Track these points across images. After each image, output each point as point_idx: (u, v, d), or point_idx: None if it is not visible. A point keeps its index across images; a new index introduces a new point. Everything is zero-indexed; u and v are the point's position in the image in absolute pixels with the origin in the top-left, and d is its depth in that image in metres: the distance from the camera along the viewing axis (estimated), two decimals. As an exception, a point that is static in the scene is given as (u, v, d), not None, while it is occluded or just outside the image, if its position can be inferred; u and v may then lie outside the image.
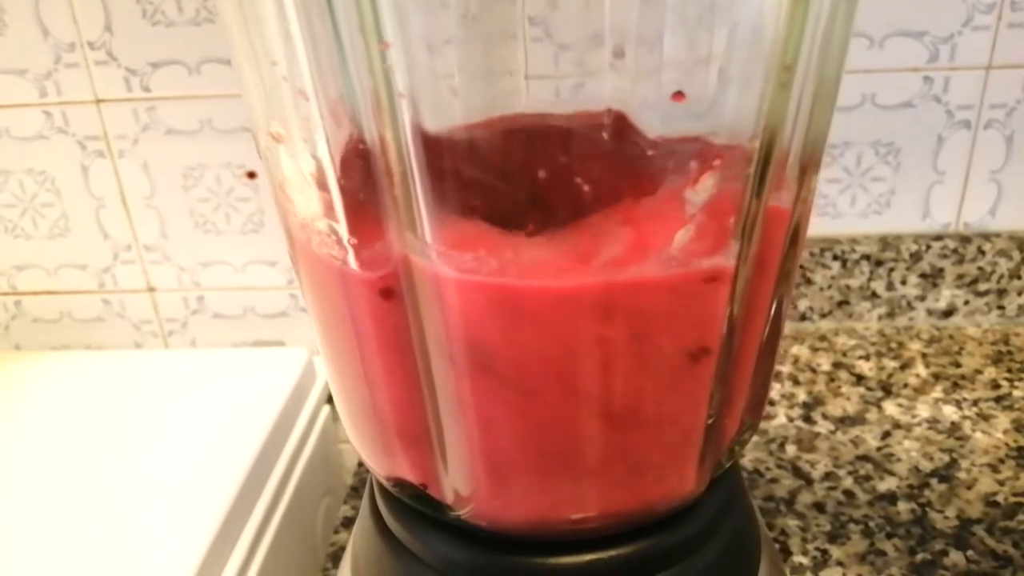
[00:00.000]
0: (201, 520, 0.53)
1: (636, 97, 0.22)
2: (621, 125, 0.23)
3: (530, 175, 0.23)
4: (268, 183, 0.28)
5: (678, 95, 0.21)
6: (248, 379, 0.67)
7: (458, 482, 0.26)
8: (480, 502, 0.26)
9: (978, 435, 0.59)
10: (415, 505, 0.28)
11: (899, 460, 0.58)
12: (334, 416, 0.76)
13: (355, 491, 0.59)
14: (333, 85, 0.22)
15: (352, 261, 0.24)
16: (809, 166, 0.24)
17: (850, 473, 0.57)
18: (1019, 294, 0.70)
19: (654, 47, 0.22)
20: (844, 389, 0.65)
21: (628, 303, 0.22)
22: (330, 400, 0.74)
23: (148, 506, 0.55)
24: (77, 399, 0.65)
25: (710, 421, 0.25)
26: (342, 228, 0.24)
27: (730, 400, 0.26)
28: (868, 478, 0.56)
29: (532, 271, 0.21)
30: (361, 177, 0.23)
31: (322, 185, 0.24)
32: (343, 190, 0.23)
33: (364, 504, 0.33)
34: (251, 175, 0.68)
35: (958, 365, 0.66)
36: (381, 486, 0.31)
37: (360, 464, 0.61)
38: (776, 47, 0.21)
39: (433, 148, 0.22)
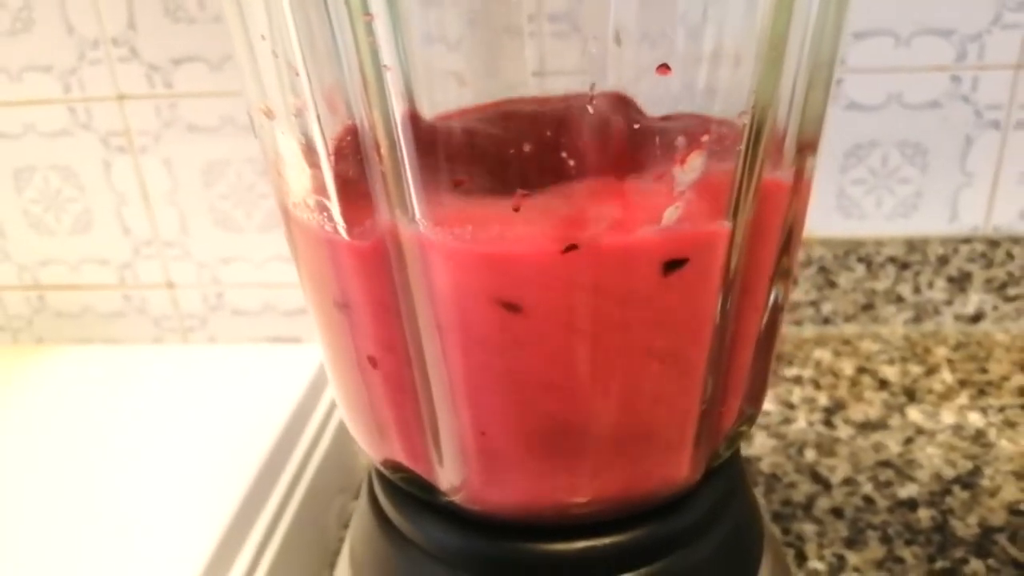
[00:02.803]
0: (212, 515, 0.53)
1: (629, 73, 0.21)
2: (617, 103, 0.22)
3: (518, 150, 0.22)
4: (264, 162, 0.28)
5: (663, 68, 0.21)
6: (264, 375, 0.67)
7: (449, 464, 0.26)
8: (472, 485, 0.26)
9: (1003, 442, 0.58)
10: (409, 489, 0.28)
11: (921, 467, 0.56)
12: (351, 414, 0.76)
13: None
14: (323, 60, 0.22)
15: (343, 235, 0.24)
16: (806, 148, 0.23)
17: (870, 479, 0.56)
18: (1050, 300, 0.68)
19: (650, 28, 0.21)
20: (867, 394, 0.63)
21: (614, 275, 0.21)
22: (347, 398, 0.74)
23: (160, 500, 0.55)
24: (95, 392, 0.66)
25: (704, 408, 0.25)
26: (333, 204, 0.24)
27: (726, 389, 0.26)
28: (888, 484, 0.55)
29: (519, 241, 0.21)
30: (351, 154, 0.23)
31: (312, 162, 0.24)
32: (334, 167, 0.23)
33: (363, 491, 0.33)
34: (271, 172, 0.68)
35: (985, 371, 0.65)
36: (378, 471, 0.30)
37: (373, 461, 0.61)
38: (765, 24, 0.20)
39: (421, 125, 0.21)
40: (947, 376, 0.65)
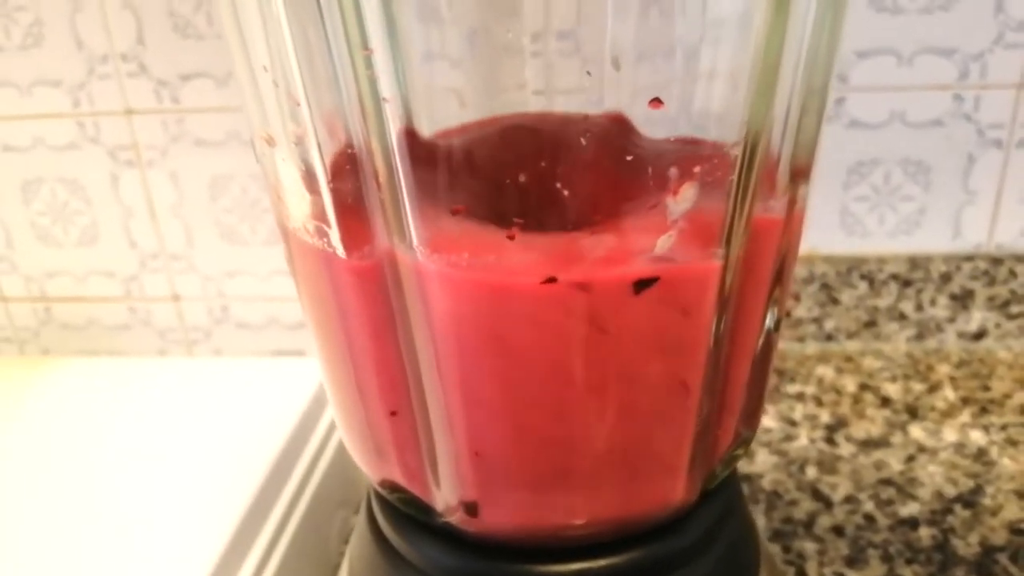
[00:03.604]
0: (215, 528, 0.53)
1: (626, 96, 0.22)
2: (616, 127, 0.23)
3: (514, 179, 0.22)
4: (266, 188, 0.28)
5: (655, 102, 0.21)
6: (267, 388, 0.67)
7: (446, 485, 0.26)
8: (469, 507, 0.26)
9: (1005, 460, 0.58)
10: (406, 509, 0.28)
11: (923, 485, 0.56)
12: (354, 428, 0.76)
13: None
14: (324, 90, 0.22)
15: (342, 259, 0.24)
16: (799, 175, 0.24)
17: (871, 497, 0.56)
18: (1052, 318, 0.68)
19: (644, 55, 0.22)
20: (869, 411, 0.64)
21: (607, 304, 0.22)
22: (350, 411, 0.74)
23: (163, 512, 0.55)
24: (100, 404, 0.66)
25: (699, 430, 0.25)
26: (332, 230, 0.24)
27: (721, 412, 0.26)
28: (890, 502, 0.55)
29: (515, 270, 0.21)
30: (350, 181, 0.23)
31: (312, 188, 0.24)
32: (333, 194, 0.23)
33: (362, 509, 0.33)
34: (277, 186, 0.69)
35: (987, 389, 0.65)
36: (376, 491, 0.31)
37: (375, 475, 0.61)
38: (758, 52, 0.21)
39: (419, 152, 0.22)
40: (949, 394, 0.65)
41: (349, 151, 0.22)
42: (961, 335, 0.70)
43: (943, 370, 0.67)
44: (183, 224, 0.71)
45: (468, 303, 0.22)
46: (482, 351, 0.23)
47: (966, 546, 0.52)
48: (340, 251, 0.24)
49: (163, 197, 0.70)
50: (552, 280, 0.21)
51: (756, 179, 0.22)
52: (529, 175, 0.22)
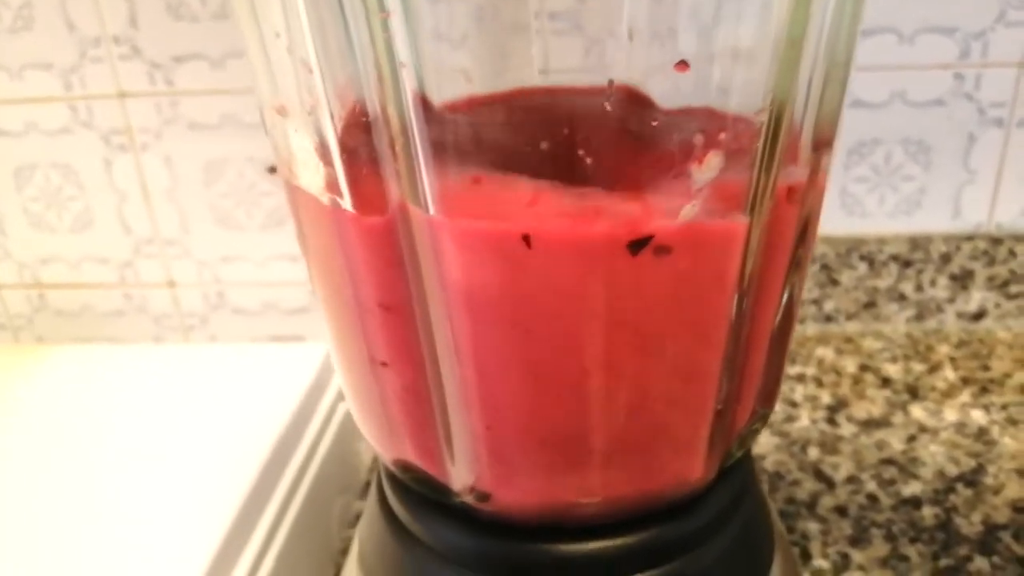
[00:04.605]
0: (215, 516, 0.53)
1: (642, 69, 0.21)
2: (631, 96, 0.22)
3: (534, 146, 0.22)
4: (275, 158, 0.27)
5: (681, 64, 0.21)
6: (265, 374, 0.67)
7: (461, 463, 0.26)
8: (483, 485, 0.26)
9: (1006, 440, 0.58)
10: (420, 489, 0.28)
11: (924, 464, 0.56)
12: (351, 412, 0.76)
13: (369, 487, 0.58)
14: (337, 58, 0.22)
15: (356, 230, 0.23)
16: (822, 145, 0.23)
17: (873, 477, 0.56)
18: (1052, 297, 0.68)
19: (663, 23, 0.21)
20: (869, 392, 0.63)
21: (629, 269, 0.21)
22: (349, 397, 0.74)
23: (162, 500, 0.54)
24: (96, 392, 0.66)
25: (719, 407, 0.25)
26: (345, 200, 0.24)
27: (740, 387, 0.25)
28: (892, 482, 0.55)
29: (535, 229, 0.21)
30: (364, 150, 0.23)
31: (326, 159, 0.23)
32: (346, 163, 0.23)
33: (372, 490, 0.33)
34: (272, 170, 0.68)
35: (987, 369, 0.65)
36: (388, 471, 0.30)
37: (376, 459, 0.60)
38: (782, 22, 0.20)
39: (436, 120, 0.21)
40: (949, 374, 0.65)
41: (363, 119, 0.22)
42: (961, 315, 0.70)
43: (943, 350, 0.67)
44: (178, 209, 0.70)
45: (485, 265, 0.22)
46: (498, 318, 0.22)
47: (969, 524, 0.52)
48: (353, 220, 0.23)
49: (157, 182, 0.69)
50: (573, 239, 0.21)
51: (781, 148, 0.21)
52: (549, 142, 0.21)
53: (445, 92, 0.23)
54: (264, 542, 0.56)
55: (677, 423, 0.25)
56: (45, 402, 0.65)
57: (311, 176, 0.24)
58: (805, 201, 0.24)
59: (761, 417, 0.28)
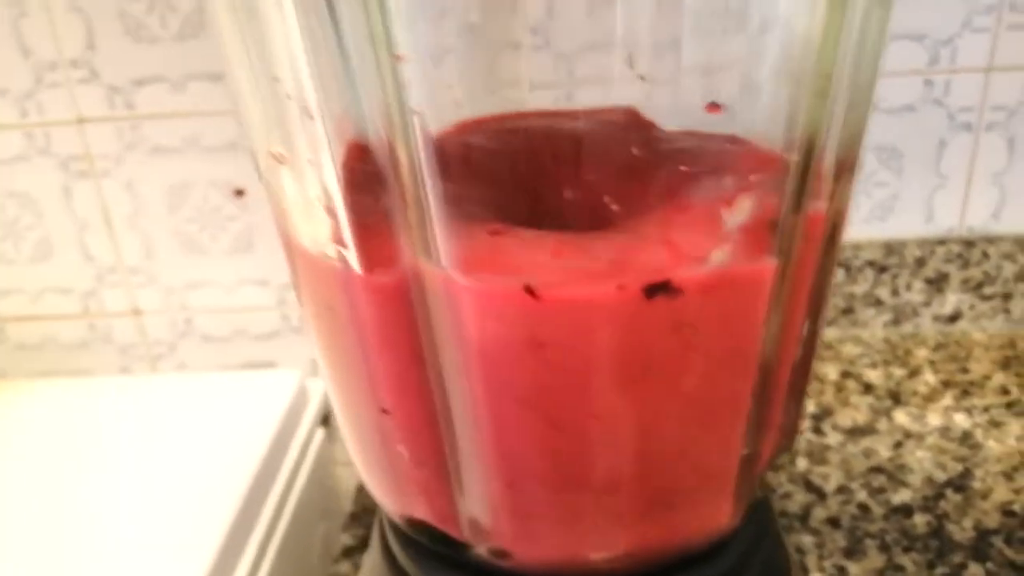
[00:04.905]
0: (195, 554, 0.51)
1: (663, 106, 0.20)
2: (638, 123, 0.21)
3: (550, 189, 0.21)
4: (269, 204, 0.26)
5: (713, 107, 0.20)
6: (239, 403, 0.65)
7: (477, 518, 0.25)
8: (502, 542, 0.25)
9: (991, 443, 0.58)
10: (432, 546, 0.27)
11: (912, 471, 0.56)
12: (329, 438, 0.74)
13: (355, 518, 0.57)
14: (339, 104, 0.20)
15: (362, 281, 0.22)
16: (844, 171, 0.23)
17: (863, 486, 0.55)
18: (1024, 298, 0.69)
19: (683, 56, 0.20)
20: (853, 399, 0.63)
21: (660, 318, 0.20)
22: (325, 422, 0.72)
23: (139, 540, 0.52)
24: (62, 428, 0.63)
25: (746, 451, 0.24)
26: (351, 252, 0.22)
27: (765, 427, 0.25)
28: (882, 490, 0.55)
29: (559, 288, 0.20)
30: (369, 199, 0.21)
31: (329, 209, 0.22)
32: (351, 212, 0.22)
33: (374, 543, 0.31)
34: (239, 193, 0.66)
35: (966, 371, 0.65)
36: (392, 525, 0.29)
37: (359, 489, 0.59)
38: (810, 55, 0.19)
39: (449, 164, 0.20)
40: (930, 377, 0.65)
41: (369, 169, 0.21)
42: (937, 318, 0.70)
43: (921, 354, 0.68)
44: (142, 235, 0.68)
45: (506, 322, 0.21)
46: (520, 375, 0.21)
47: (961, 531, 0.52)
48: (359, 270, 0.22)
49: (120, 208, 0.67)
50: (600, 292, 0.20)
51: (811, 180, 0.21)
52: (570, 185, 0.20)
53: (440, 117, 0.22)
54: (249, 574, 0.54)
55: (707, 471, 0.24)
56: (6, 443, 0.62)
57: (309, 223, 0.23)
58: (828, 231, 0.23)
59: (782, 454, 0.27)
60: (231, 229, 0.68)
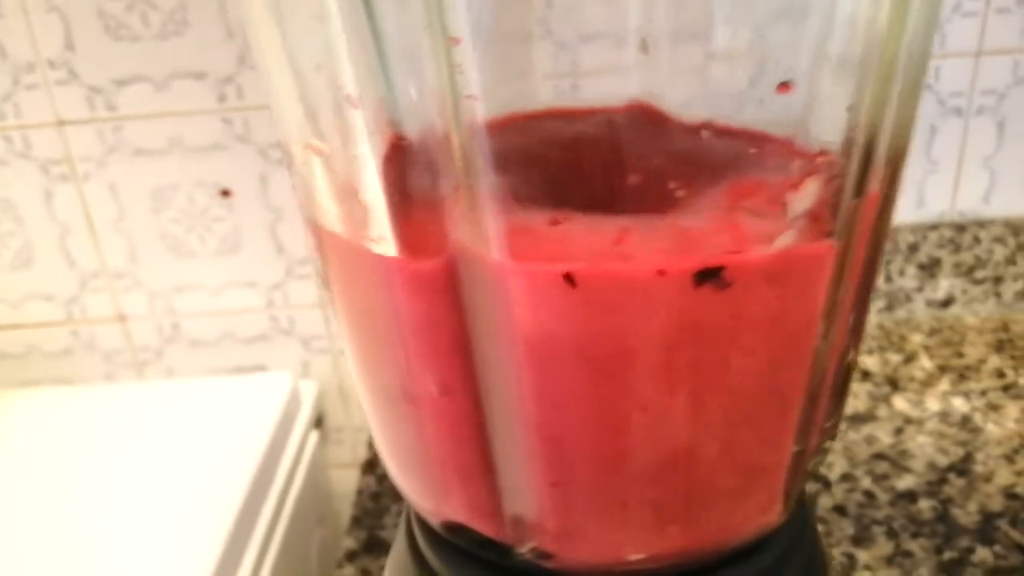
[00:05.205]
0: (194, 564, 0.50)
1: (730, 93, 0.20)
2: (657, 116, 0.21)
3: (605, 174, 0.20)
4: (297, 198, 0.25)
5: (784, 86, 0.19)
6: (231, 408, 0.64)
7: (521, 518, 0.24)
8: (546, 544, 0.24)
9: (990, 426, 0.58)
10: (473, 550, 0.26)
11: (914, 456, 0.57)
12: (323, 441, 0.73)
13: (357, 521, 0.56)
14: (385, 91, 0.19)
15: (405, 271, 0.21)
16: (898, 159, 0.22)
17: (867, 473, 0.55)
18: (1015, 280, 0.69)
19: (746, 42, 0.20)
20: (852, 386, 0.63)
21: (725, 302, 0.20)
22: (318, 424, 0.71)
23: (134, 555, 0.51)
24: (47, 440, 0.61)
25: (798, 446, 0.23)
26: (390, 244, 0.21)
27: (816, 417, 0.24)
28: (886, 477, 0.55)
29: (623, 276, 0.19)
30: (413, 186, 0.21)
31: (370, 198, 0.21)
32: (393, 201, 0.21)
33: (399, 543, 0.30)
34: (225, 194, 0.65)
35: (961, 355, 0.66)
36: (423, 524, 0.28)
37: (360, 491, 0.58)
38: (875, 40, 0.19)
39: (502, 150, 0.19)
40: (926, 363, 0.65)
41: (413, 156, 0.20)
42: (930, 303, 0.70)
43: (916, 339, 0.68)
44: (126, 239, 0.66)
45: (564, 312, 0.20)
46: (575, 367, 0.21)
47: (966, 515, 0.52)
48: (402, 258, 0.21)
49: (102, 212, 0.65)
50: (663, 273, 0.19)
51: (874, 164, 0.20)
52: (634, 172, 0.20)
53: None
54: (250, 587, 0.53)
55: (761, 463, 0.23)
56: (-3, 455, 0.60)
57: (350, 216, 0.22)
58: (878, 217, 0.23)
59: (824, 449, 0.27)
60: (218, 230, 0.66)
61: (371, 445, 0.61)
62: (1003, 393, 0.61)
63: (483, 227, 0.20)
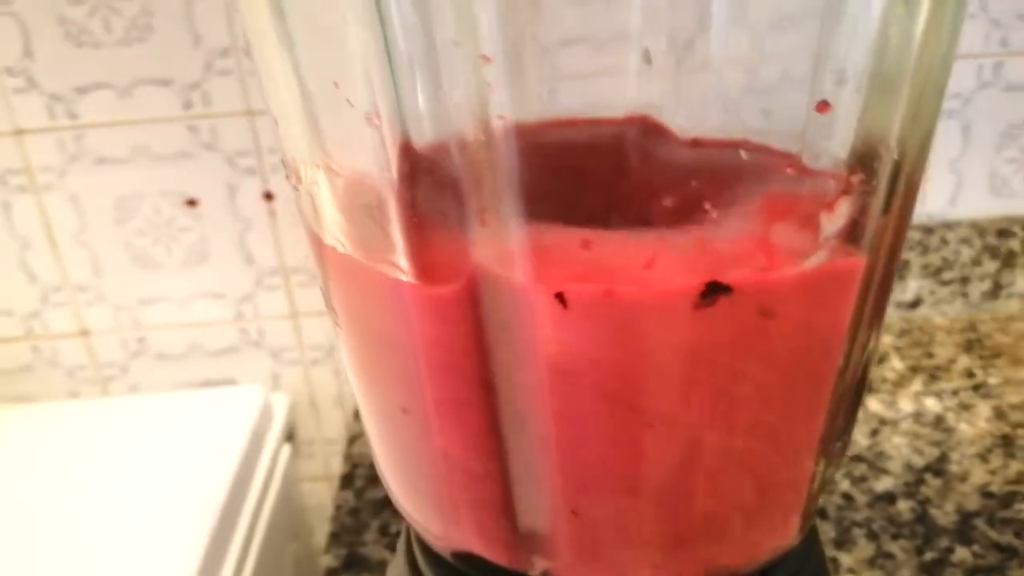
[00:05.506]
0: (172, 584, 0.49)
1: (761, 110, 0.19)
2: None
3: (630, 190, 0.20)
4: (302, 218, 0.24)
5: (823, 105, 0.19)
6: (201, 424, 0.62)
7: (536, 545, 0.23)
8: (560, 567, 0.23)
9: (963, 426, 0.59)
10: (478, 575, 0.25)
11: (891, 458, 0.57)
12: (295, 454, 0.72)
13: (336, 538, 0.55)
14: (409, 110, 0.19)
15: (421, 293, 0.21)
16: (918, 170, 0.22)
17: (845, 475, 0.56)
18: (981, 280, 0.70)
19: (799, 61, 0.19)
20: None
21: (757, 318, 0.19)
22: (289, 438, 0.69)
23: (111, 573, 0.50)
24: (8, 460, 0.59)
25: (818, 464, 0.23)
26: (405, 267, 0.21)
27: (834, 434, 0.24)
28: (864, 479, 0.56)
29: (656, 289, 0.19)
30: (431, 207, 0.20)
31: (383, 221, 0.21)
32: (410, 222, 0.20)
33: (399, 561, 0.30)
34: (191, 203, 0.63)
35: (931, 356, 0.66)
36: (424, 547, 0.27)
37: (339, 507, 0.57)
38: (908, 55, 0.19)
39: (531, 168, 0.19)
40: (897, 364, 0.66)
41: (433, 176, 0.19)
42: (899, 305, 0.71)
43: (886, 340, 0.69)
44: (88, 251, 0.64)
45: (593, 336, 0.19)
46: (602, 393, 0.20)
47: (944, 515, 0.53)
48: (418, 280, 0.21)
49: (64, 223, 0.63)
50: (697, 294, 0.19)
51: (902, 180, 0.20)
52: (662, 189, 0.19)
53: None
54: (228, 609, 0.52)
55: (783, 485, 0.23)
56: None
57: (363, 237, 0.21)
58: (898, 231, 0.22)
59: (833, 468, 0.27)
60: (184, 241, 0.65)
61: (346, 459, 0.60)
62: (974, 392, 0.62)
63: (509, 249, 0.19)
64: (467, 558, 0.25)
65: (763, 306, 0.19)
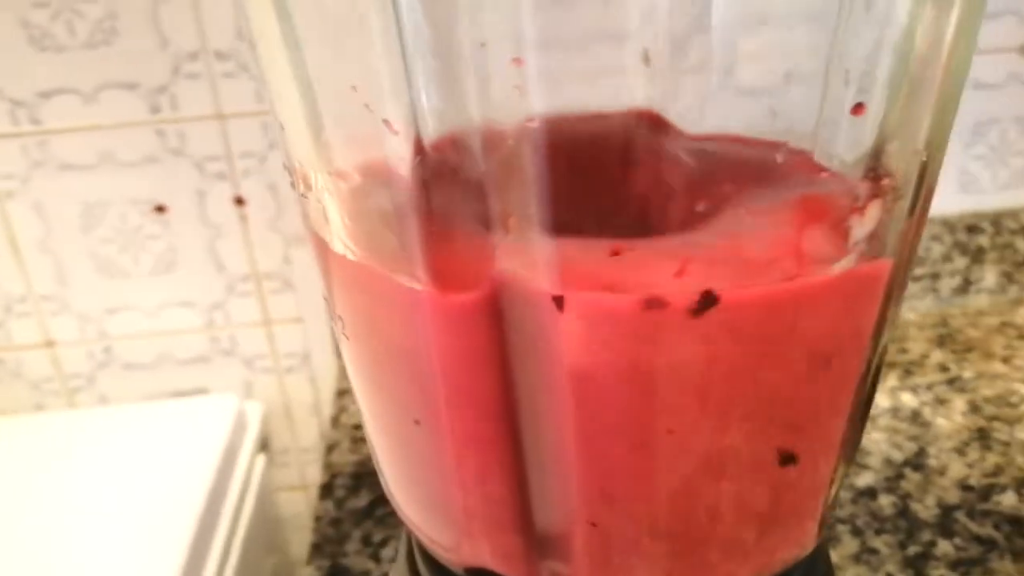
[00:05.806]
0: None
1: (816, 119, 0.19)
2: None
3: (652, 192, 0.20)
4: (308, 227, 0.23)
5: (858, 107, 0.19)
6: (174, 435, 0.61)
7: (554, 562, 0.23)
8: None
9: (939, 420, 0.60)
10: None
11: (871, 453, 0.58)
12: (270, 464, 0.71)
13: (318, 549, 0.54)
14: (431, 115, 0.18)
15: (437, 302, 0.20)
16: (936, 170, 0.22)
17: (828, 472, 0.56)
18: (951, 276, 0.71)
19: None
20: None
21: (786, 322, 0.19)
22: (264, 447, 0.68)
23: (87, 593, 0.48)
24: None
25: (837, 468, 0.23)
26: (423, 274, 0.20)
27: (853, 433, 0.24)
28: (845, 474, 0.56)
29: (687, 297, 0.18)
30: (450, 214, 0.19)
31: (398, 229, 0.20)
32: (428, 229, 0.19)
33: (400, 568, 0.29)
34: (160, 210, 0.62)
35: (905, 351, 0.67)
36: (427, 556, 0.27)
37: (317, 518, 0.56)
38: (937, 60, 0.19)
39: (558, 174, 0.18)
40: (872, 360, 0.66)
41: (454, 183, 0.19)
42: (871, 301, 0.72)
43: (860, 337, 0.69)
44: (53, 260, 0.63)
45: (619, 345, 0.19)
46: (629, 403, 0.20)
47: (925, 509, 0.53)
48: (436, 289, 0.20)
49: (27, 231, 0.61)
50: (729, 301, 0.18)
51: (928, 184, 0.20)
52: (687, 194, 0.19)
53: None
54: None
55: (806, 492, 0.23)
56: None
57: (376, 248, 0.21)
58: (917, 232, 0.22)
59: (844, 474, 0.27)
60: (152, 249, 0.63)
61: (325, 468, 0.59)
62: (948, 387, 0.63)
63: (535, 256, 0.19)
64: (478, 571, 0.24)
65: (792, 313, 0.19)
